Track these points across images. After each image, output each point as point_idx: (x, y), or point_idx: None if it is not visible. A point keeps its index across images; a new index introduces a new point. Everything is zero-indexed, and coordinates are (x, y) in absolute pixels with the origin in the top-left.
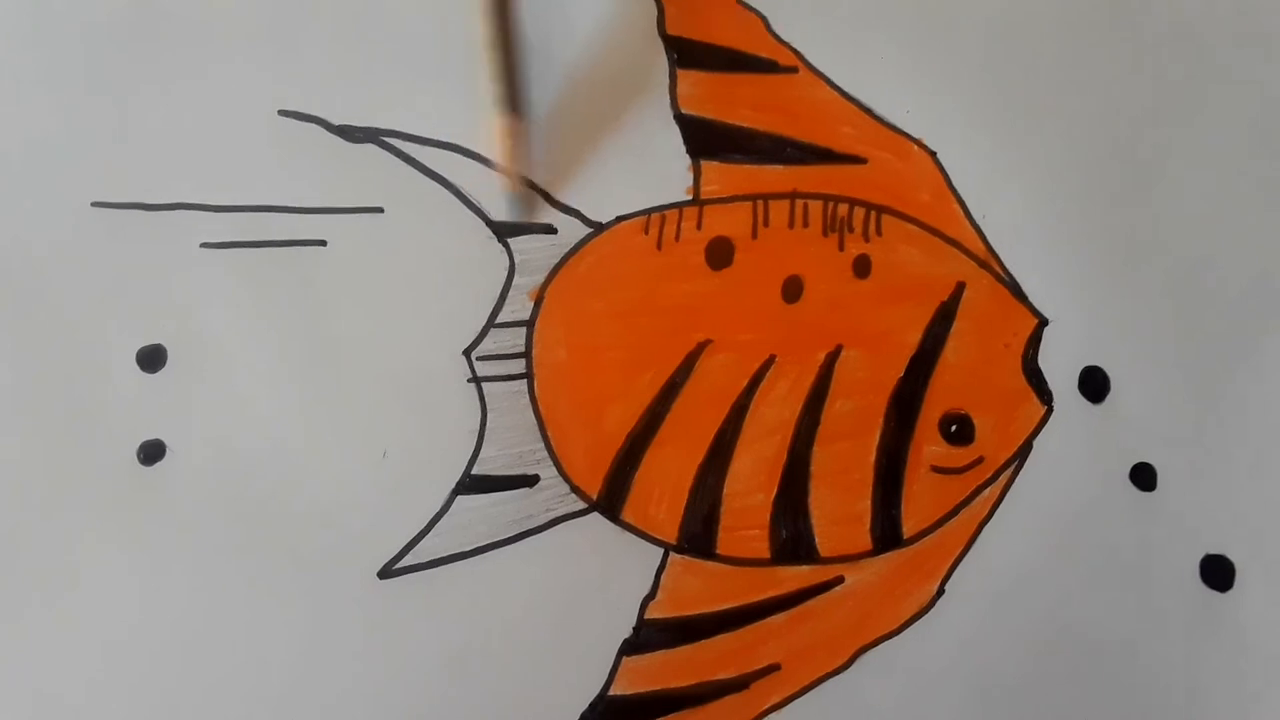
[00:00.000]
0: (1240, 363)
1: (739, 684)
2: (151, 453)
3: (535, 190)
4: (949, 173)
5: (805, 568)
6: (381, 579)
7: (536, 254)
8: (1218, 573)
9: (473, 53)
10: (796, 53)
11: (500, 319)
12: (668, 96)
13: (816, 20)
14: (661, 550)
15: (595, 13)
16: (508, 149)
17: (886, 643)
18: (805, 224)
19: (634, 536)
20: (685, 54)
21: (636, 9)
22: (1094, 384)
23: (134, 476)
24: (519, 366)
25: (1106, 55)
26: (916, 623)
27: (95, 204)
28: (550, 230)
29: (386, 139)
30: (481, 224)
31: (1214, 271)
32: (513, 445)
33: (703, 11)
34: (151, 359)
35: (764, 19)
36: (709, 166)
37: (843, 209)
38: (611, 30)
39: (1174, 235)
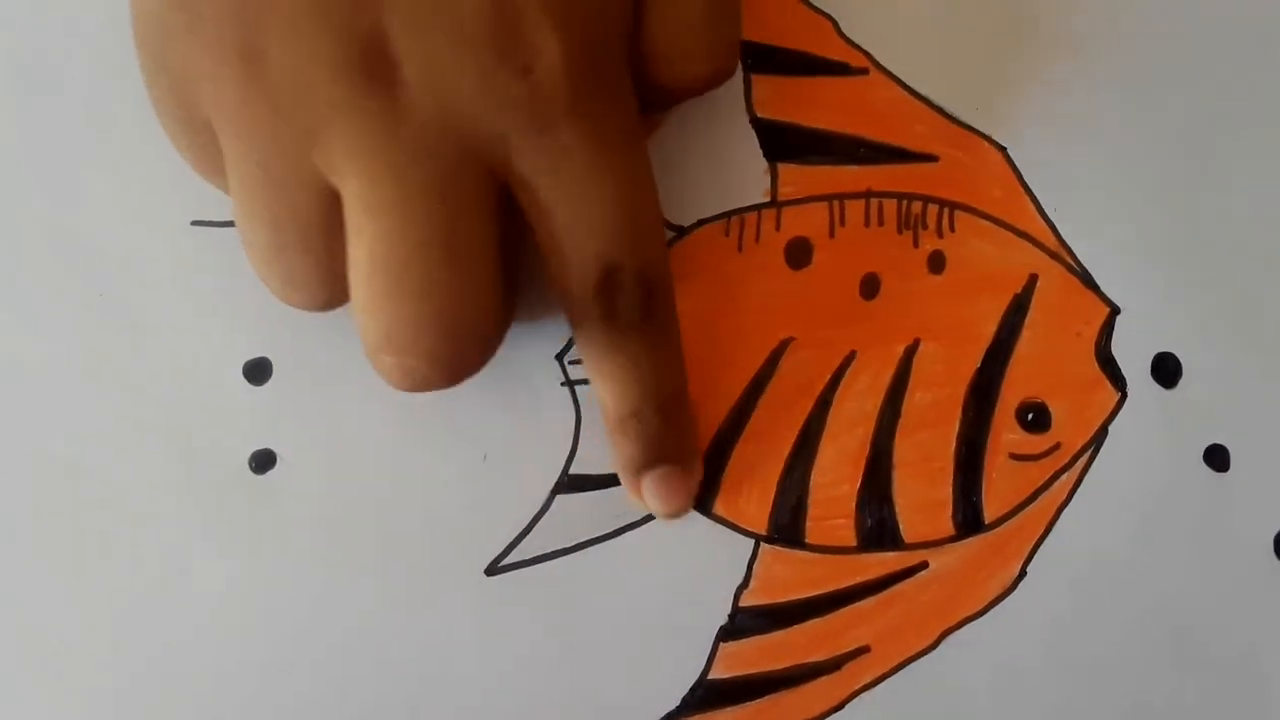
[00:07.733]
0: None
1: (831, 665)
2: (263, 461)
3: None
4: (1020, 168)
5: (890, 553)
6: (488, 576)
7: None
8: None
9: None
10: (867, 54)
11: None
12: (743, 101)
13: (885, 21)
14: (752, 541)
15: None
16: None
17: (972, 624)
18: (880, 222)
19: (725, 529)
20: (758, 59)
21: None
22: (1166, 370)
23: (247, 486)
24: None
25: (1180, 53)
26: (1000, 604)
27: (195, 223)
28: None
29: None
30: None
31: None
32: (608, 445)
33: (773, 16)
34: (257, 371)
35: (834, 21)
36: (785, 169)
37: (916, 206)
38: None
39: (1243, 225)
